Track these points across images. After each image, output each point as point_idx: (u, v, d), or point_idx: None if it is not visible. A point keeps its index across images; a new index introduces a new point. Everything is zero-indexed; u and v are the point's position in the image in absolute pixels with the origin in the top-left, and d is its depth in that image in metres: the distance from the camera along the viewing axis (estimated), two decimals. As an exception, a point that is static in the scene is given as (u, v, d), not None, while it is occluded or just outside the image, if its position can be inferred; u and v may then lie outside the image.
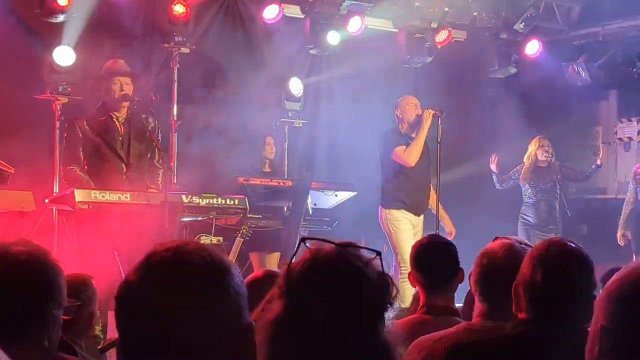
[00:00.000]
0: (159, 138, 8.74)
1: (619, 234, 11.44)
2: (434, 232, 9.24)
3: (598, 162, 11.56)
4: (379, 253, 2.24)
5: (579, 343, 3.06)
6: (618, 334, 1.92)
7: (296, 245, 2.25)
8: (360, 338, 2.15)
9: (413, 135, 9.67)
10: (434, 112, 9.54)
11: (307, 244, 2.25)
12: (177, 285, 1.91)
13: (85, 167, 8.38)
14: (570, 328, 3.09)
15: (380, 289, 2.20)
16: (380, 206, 9.86)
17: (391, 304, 2.22)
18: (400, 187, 9.65)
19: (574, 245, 3.22)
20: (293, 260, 2.22)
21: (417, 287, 4.49)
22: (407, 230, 9.44)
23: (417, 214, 9.73)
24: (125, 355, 1.96)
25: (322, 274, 2.18)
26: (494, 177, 11.54)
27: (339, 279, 2.18)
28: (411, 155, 9.55)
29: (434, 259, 4.42)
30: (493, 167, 11.43)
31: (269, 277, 3.35)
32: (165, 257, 1.95)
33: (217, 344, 1.91)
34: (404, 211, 9.67)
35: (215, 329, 1.91)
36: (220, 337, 1.91)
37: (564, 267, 3.12)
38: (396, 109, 9.90)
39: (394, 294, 2.22)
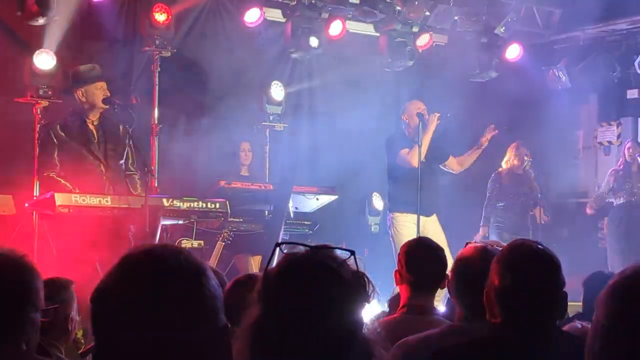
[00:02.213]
0: (131, 142, 8.67)
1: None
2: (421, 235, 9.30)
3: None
4: (352, 253, 2.25)
5: (553, 340, 3.16)
6: (619, 332, 1.95)
7: (272, 251, 2.26)
8: (338, 337, 2.17)
9: (417, 138, 9.65)
10: (439, 114, 9.56)
11: (283, 249, 2.27)
12: (151, 287, 1.91)
13: (62, 172, 8.33)
14: (543, 327, 3.17)
15: (355, 288, 2.21)
16: (387, 211, 9.85)
17: (367, 302, 2.24)
18: (405, 190, 9.57)
19: (539, 247, 3.26)
20: (269, 265, 2.24)
21: (399, 286, 4.49)
22: (408, 234, 9.19)
23: (425, 215, 9.63)
24: (100, 357, 1.95)
25: (296, 276, 2.20)
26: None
27: (313, 281, 2.20)
28: (415, 156, 9.52)
29: (426, 261, 4.43)
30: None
31: (251, 280, 3.35)
32: (140, 259, 1.95)
33: (192, 345, 1.91)
34: (406, 214, 9.61)
35: (190, 330, 1.91)
36: (195, 339, 1.92)
37: (532, 271, 3.17)
38: (403, 114, 9.87)
39: (370, 293, 2.24)
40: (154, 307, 1.89)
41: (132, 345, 1.89)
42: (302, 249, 2.27)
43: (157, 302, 1.90)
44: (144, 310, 1.89)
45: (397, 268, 4.50)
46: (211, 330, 1.95)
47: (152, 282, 1.92)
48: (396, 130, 10.04)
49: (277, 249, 2.28)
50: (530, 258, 3.19)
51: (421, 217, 9.53)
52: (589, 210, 11.89)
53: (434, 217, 9.77)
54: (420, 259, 4.43)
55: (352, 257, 2.25)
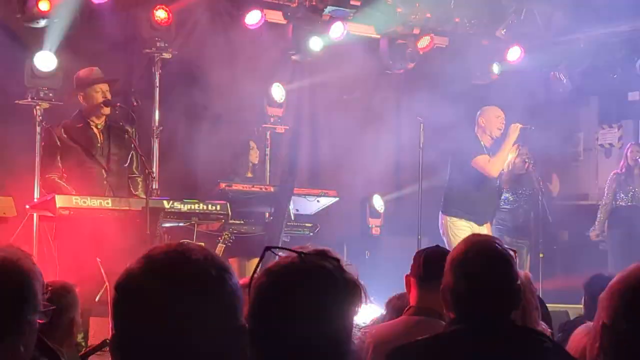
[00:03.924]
0: (137, 144, 8.67)
1: (594, 233, 11.62)
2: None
3: (552, 189, 11.64)
4: (337, 260, 2.23)
5: (507, 333, 3.25)
6: (619, 332, 1.96)
7: (261, 255, 2.26)
8: (325, 346, 2.16)
9: (488, 146, 9.57)
10: (521, 125, 9.43)
11: (276, 253, 2.27)
12: (177, 279, 1.93)
13: (64, 174, 8.32)
14: (497, 321, 3.26)
15: (347, 295, 2.20)
16: (440, 212, 9.71)
17: (356, 310, 2.22)
18: (467, 195, 9.45)
19: (491, 245, 3.36)
20: (257, 270, 2.24)
21: (411, 289, 4.48)
22: None
23: (480, 223, 9.56)
24: (118, 347, 1.96)
25: (282, 284, 2.20)
26: None
27: (300, 289, 2.18)
28: (495, 165, 9.37)
29: (441, 260, 4.43)
30: None
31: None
32: (168, 251, 1.98)
33: (211, 342, 1.92)
34: (465, 220, 9.50)
35: (211, 326, 1.92)
36: (214, 336, 1.93)
37: (485, 272, 3.26)
38: (479, 117, 9.70)
39: (361, 300, 2.22)
40: (177, 299, 1.91)
41: (151, 336, 1.90)
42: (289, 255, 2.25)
43: (180, 294, 1.91)
44: (166, 300, 1.90)
45: (411, 272, 4.47)
46: (230, 328, 1.96)
47: (178, 274, 1.93)
48: (468, 132, 9.82)
49: (267, 253, 2.28)
50: (481, 255, 3.28)
51: (473, 224, 9.47)
52: (593, 237, 11.80)
53: (486, 226, 9.67)
54: (438, 260, 4.42)
55: (342, 263, 2.24)
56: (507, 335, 3.24)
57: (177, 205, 8.46)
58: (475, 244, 3.33)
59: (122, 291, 1.97)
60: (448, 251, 4.64)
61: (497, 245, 3.37)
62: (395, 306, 4.77)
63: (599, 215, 11.73)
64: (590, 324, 4.19)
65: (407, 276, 4.48)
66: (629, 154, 11.61)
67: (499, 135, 9.56)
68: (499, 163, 9.42)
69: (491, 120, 9.58)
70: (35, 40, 9.54)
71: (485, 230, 9.56)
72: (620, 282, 2.03)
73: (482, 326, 3.22)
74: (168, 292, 1.90)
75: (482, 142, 9.57)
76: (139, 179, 8.63)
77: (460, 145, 9.60)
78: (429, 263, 4.41)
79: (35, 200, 8.66)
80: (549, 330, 4.61)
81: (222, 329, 1.93)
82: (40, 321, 2.48)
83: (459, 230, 9.42)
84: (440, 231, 9.66)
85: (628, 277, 2.03)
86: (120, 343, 1.96)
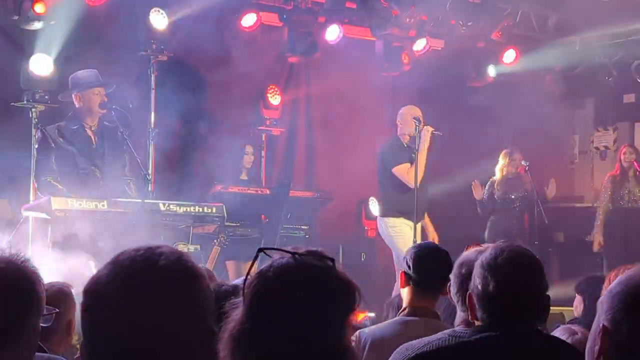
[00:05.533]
0: (130, 146, 8.66)
1: (596, 242, 11.52)
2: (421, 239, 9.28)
3: (547, 193, 11.49)
4: (333, 260, 2.24)
5: (535, 344, 3.19)
6: (619, 335, 1.96)
7: (254, 257, 2.26)
8: (321, 346, 2.16)
9: (413, 145, 9.60)
10: (432, 130, 9.44)
11: (269, 255, 2.27)
12: (142, 285, 1.92)
13: (59, 176, 8.30)
14: (525, 330, 3.19)
15: (341, 296, 2.21)
16: (378, 216, 9.73)
17: (352, 310, 2.23)
18: (399, 196, 9.48)
19: (522, 250, 3.28)
20: (251, 271, 2.24)
21: (402, 289, 4.50)
22: (408, 235, 9.28)
23: (416, 221, 9.61)
24: (86, 351, 1.95)
25: (279, 284, 2.20)
26: (478, 205, 11.38)
27: (296, 288, 2.18)
28: (412, 177, 9.40)
29: (432, 263, 4.45)
30: (476, 195, 11.24)
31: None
32: (134, 255, 1.96)
33: (177, 347, 1.91)
34: (402, 218, 9.53)
35: (178, 332, 1.91)
36: (180, 341, 1.92)
37: (514, 275, 3.19)
38: (398, 118, 9.77)
39: (356, 300, 2.23)
40: (140, 307, 1.90)
41: (117, 343, 1.90)
42: (283, 255, 2.26)
43: (142, 302, 1.90)
44: (130, 309, 1.89)
45: (402, 270, 4.50)
46: (197, 334, 1.94)
47: (144, 278, 1.92)
48: (393, 137, 9.90)
49: (261, 254, 2.28)
50: (513, 261, 3.21)
51: (410, 222, 9.49)
52: (596, 246, 11.66)
53: (420, 225, 9.71)
54: (427, 262, 4.44)
55: (336, 264, 2.24)
56: (536, 344, 3.19)
57: (173, 207, 8.45)
58: (505, 250, 3.23)
59: (89, 297, 1.96)
60: (439, 247, 4.67)
61: (527, 252, 3.29)
62: (399, 305, 4.79)
63: (596, 223, 11.66)
64: (567, 326, 4.21)
65: (402, 273, 4.49)
66: (622, 156, 11.60)
67: (415, 134, 9.54)
68: (419, 172, 9.38)
69: (407, 121, 9.59)
70: (31, 42, 9.53)
71: (418, 228, 9.60)
72: (621, 285, 2.02)
73: (511, 334, 3.16)
74: (132, 299, 1.90)
75: (404, 144, 9.57)
76: (132, 182, 8.61)
77: (384, 152, 9.60)
78: (421, 263, 4.43)
79: (31, 202, 8.65)
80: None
81: (189, 334, 1.92)
82: (43, 325, 2.49)
83: (396, 227, 9.51)
84: (382, 236, 9.68)
85: (629, 280, 2.02)
86: (89, 349, 1.95)
